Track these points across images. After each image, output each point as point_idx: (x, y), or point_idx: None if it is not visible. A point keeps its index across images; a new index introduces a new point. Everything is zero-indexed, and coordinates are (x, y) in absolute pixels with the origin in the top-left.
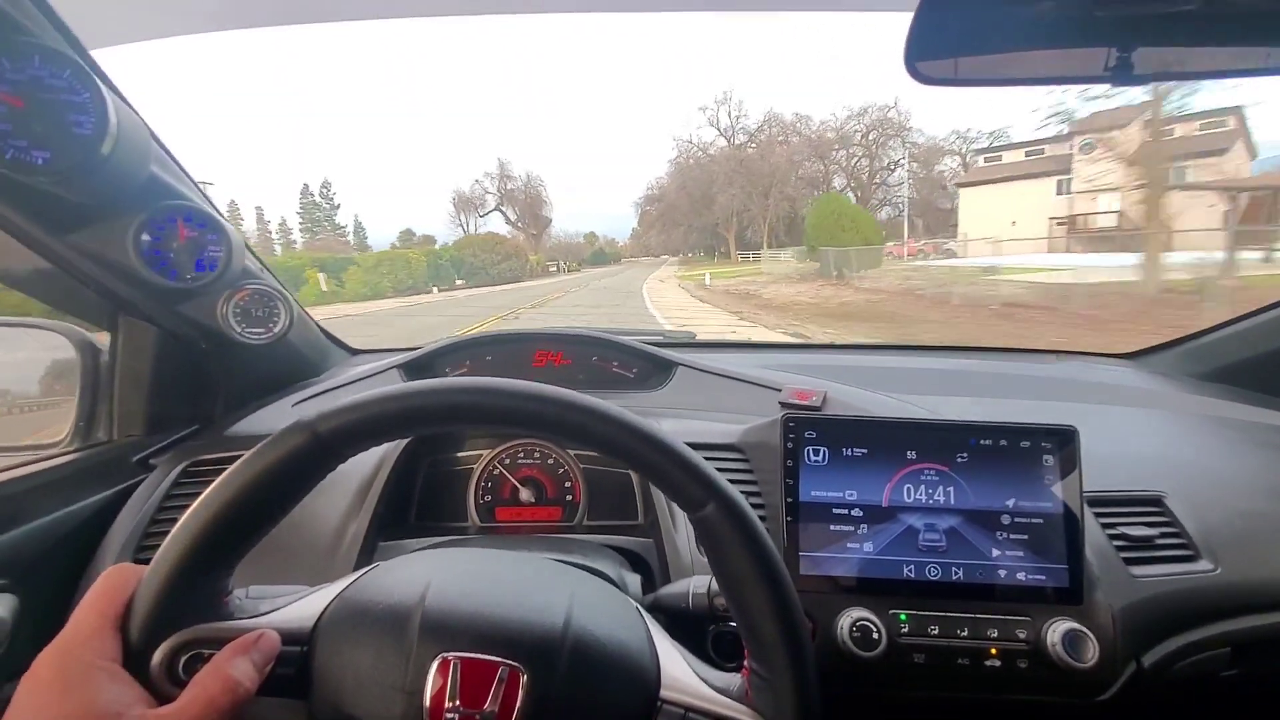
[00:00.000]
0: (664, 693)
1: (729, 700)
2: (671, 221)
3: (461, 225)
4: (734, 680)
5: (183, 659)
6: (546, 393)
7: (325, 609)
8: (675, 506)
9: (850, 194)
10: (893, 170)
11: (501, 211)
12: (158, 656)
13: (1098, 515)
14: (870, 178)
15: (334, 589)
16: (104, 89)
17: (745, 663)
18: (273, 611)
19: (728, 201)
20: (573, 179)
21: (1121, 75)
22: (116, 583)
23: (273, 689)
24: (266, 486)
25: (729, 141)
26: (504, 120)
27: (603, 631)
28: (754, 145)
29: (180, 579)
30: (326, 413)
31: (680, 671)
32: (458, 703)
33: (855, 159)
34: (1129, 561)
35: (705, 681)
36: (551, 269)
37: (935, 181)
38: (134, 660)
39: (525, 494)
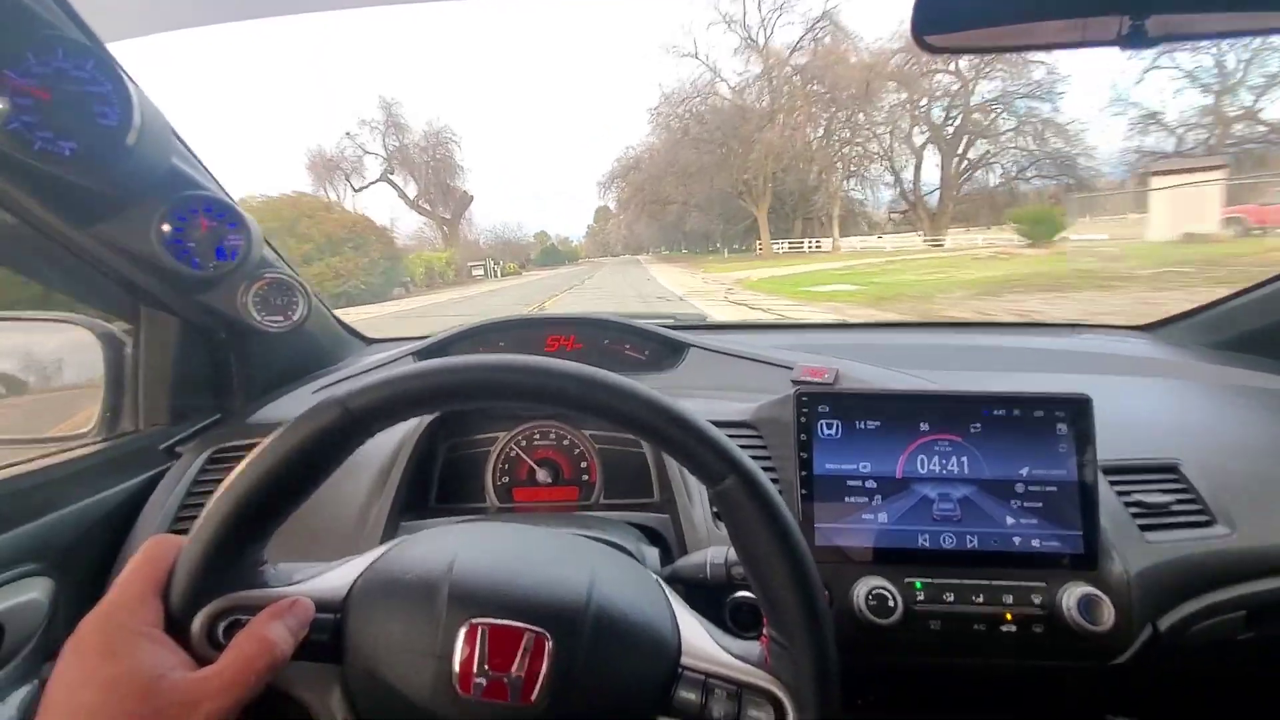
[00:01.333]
0: (685, 660)
1: (749, 666)
2: (655, 199)
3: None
4: (753, 648)
5: (221, 624)
6: (570, 369)
7: (357, 579)
8: (690, 483)
9: (932, 149)
10: (993, 114)
11: (391, 181)
12: (198, 622)
13: (1113, 483)
14: (963, 123)
15: (365, 560)
16: (126, 80)
17: (764, 630)
18: (306, 581)
19: (779, 141)
20: (516, 170)
21: (1134, 40)
22: (158, 552)
23: (307, 653)
24: (300, 460)
25: (759, 53)
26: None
27: (625, 601)
28: (790, 68)
29: (219, 548)
30: (356, 389)
31: (700, 640)
32: (486, 667)
33: (932, 96)
34: (1144, 528)
35: (725, 649)
36: (476, 272)
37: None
38: (175, 626)
39: (542, 475)
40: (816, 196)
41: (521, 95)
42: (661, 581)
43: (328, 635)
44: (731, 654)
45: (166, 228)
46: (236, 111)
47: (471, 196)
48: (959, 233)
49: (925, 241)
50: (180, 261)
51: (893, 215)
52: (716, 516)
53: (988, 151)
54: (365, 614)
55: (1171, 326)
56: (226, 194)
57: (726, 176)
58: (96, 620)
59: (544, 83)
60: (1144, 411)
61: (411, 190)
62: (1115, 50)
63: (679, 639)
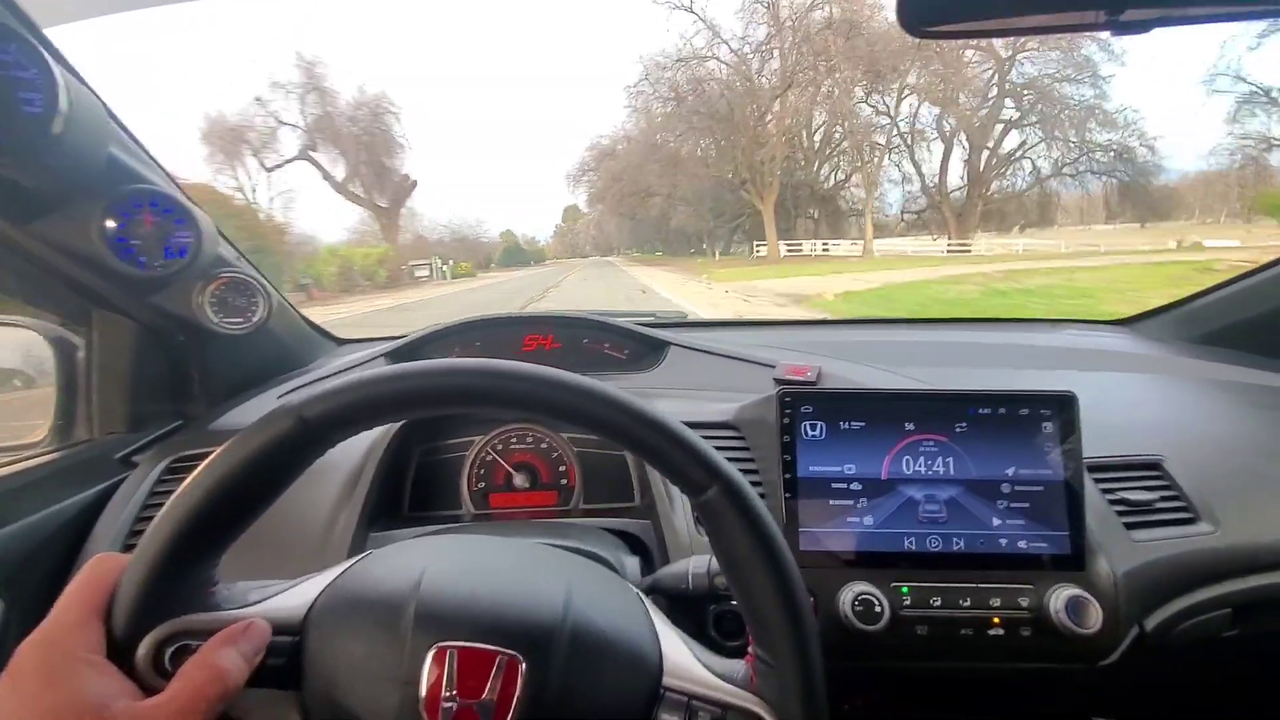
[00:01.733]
0: (667, 680)
1: (733, 687)
2: (635, 191)
3: (239, 184)
4: (738, 667)
5: (169, 650)
6: (541, 374)
7: (316, 598)
8: (671, 487)
9: (962, 144)
10: (1032, 99)
11: (312, 159)
12: (143, 648)
13: (1097, 481)
14: (995, 109)
15: (325, 577)
16: (54, 65)
17: (749, 649)
18: (262, 601)
19: (803, 114)
20: (479, 163)
21: (1113, 27)
22: (100, 573)
23: (263, 680)
24: (252, 473)
25: (767, 8)
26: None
27: (603, 618)
28: (802, 32)
29: (165, 569)
30: (312, 397)
31: (683, 658)
32: (455, 693)
33: (959, 79)
34: (1130, 526)
35: (708, 668)
36: (420, 273)
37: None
38: (119, 652)
39: (519, 479)
40: (849, 183)
41: (486, 77)
42: (642, 595)
43: (285, 659)
44: (715, 673)
45: (109, 224)
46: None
47: (414, 182)
48: (986, 237)
49: (951, 246)
50: (125, 261)
51: (905, 215)
52: (699, 522)
53: (1024, 142)
54: (326, 636)
55: (1151, 320)
56: (176, 187)
57: (728, 161)
58: (34, 645)
59: (513, 64)
60: (1126, 407)
61: (340, 171)
62: (1106, 32)
63: (660, 657)
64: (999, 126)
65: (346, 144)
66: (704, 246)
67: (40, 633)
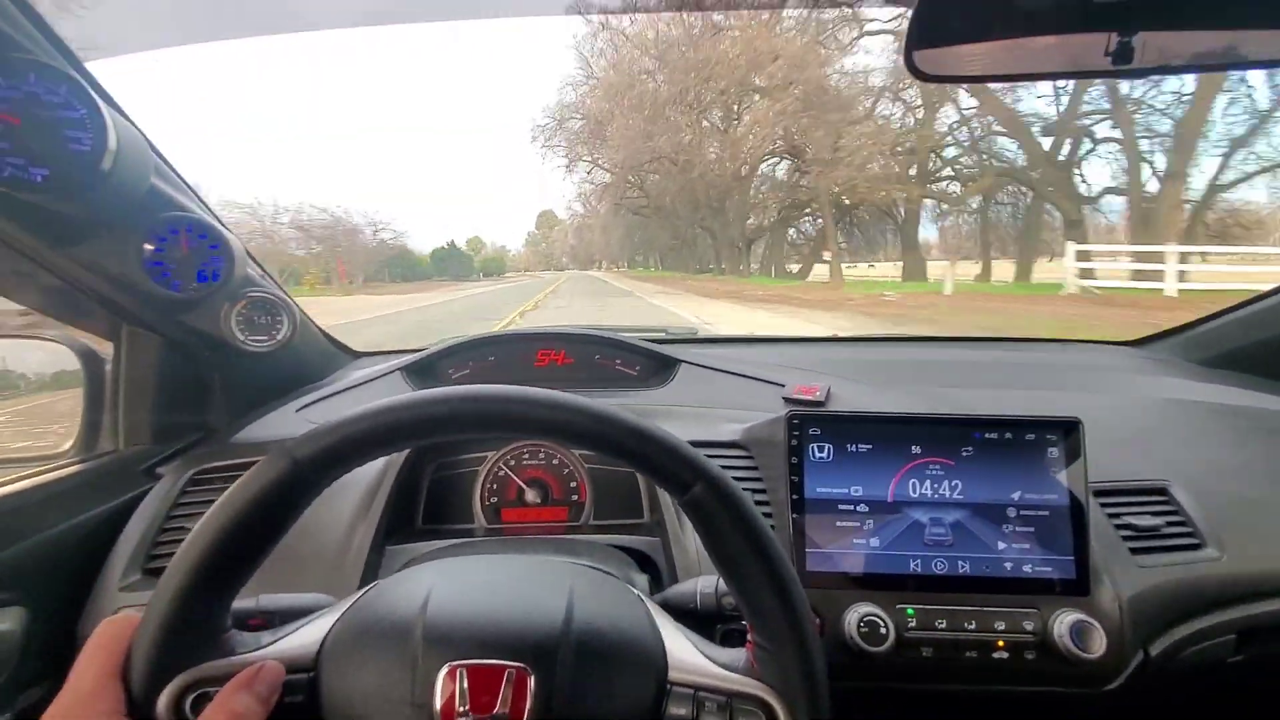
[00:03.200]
0: (672, 675)
1: (736, 675)
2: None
3: None
4: (739, 655)
5: (189, 700)
6: (524, 395)
7: (328, 633)
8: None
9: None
10: None
11: None
12: (163, 701)
13: (1103, 505)
14: None
15: (335, 612)
16: (102, 104)
17: (749, 637)
18: (275, 642)
19: None
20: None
21: (1122, 63)
22: (112, 634)
23: (283, 718)
24: (252, 519)
25: None
26: None
27: (605, 622)
28: None
29: (176, 621)
30: (302, 438)
31: (686, 652)
32: (468, 708)
33: None
34: (1135, 551)
35: (711, 660)
36: None
37: None
38: (138, 708)
39: (531, 495)
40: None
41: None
42: (643, 596)
43: (303, 696)
44: (718, 664)
45: (146, 248)
46: None
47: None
48: None
49: None
50: (160, 284)
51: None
52: None
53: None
54: (339, 669)
55: (1160, 342)
56: (210, 213)
57: None
58: (56, 714)
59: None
60: (1133, 430)
61: None
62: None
63: (664, 654)
64: None
65: None
66: (793, 264)
67: (60, 700)
